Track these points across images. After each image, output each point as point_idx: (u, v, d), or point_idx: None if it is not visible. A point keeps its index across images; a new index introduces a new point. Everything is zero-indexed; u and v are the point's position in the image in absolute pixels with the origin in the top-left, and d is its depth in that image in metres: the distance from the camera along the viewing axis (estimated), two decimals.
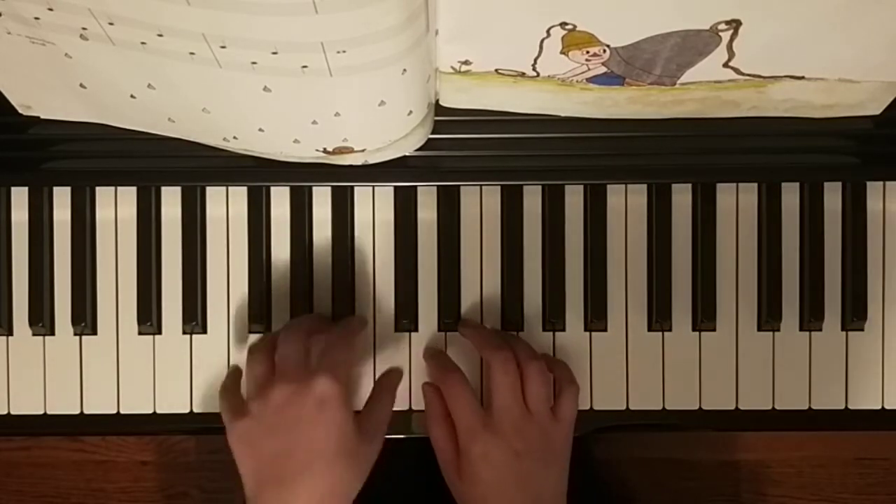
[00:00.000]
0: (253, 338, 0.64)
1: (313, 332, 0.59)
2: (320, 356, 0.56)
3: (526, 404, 0.58)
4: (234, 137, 0.58)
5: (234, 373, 0.63)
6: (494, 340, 0.60)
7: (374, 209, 0.65)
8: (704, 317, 0.64)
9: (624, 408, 0.64)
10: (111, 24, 0.46)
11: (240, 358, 0.64)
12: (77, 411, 0.64)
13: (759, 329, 0.65)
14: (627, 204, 0.65)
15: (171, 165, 0.62)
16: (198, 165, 0.62)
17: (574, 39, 0.50)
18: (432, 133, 0.61)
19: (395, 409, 0.62)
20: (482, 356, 0.60)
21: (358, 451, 0.55)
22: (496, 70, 0.55)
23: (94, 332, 0.65)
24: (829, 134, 0.62)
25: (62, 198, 0.65)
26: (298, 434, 0.54)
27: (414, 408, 0.64)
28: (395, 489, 0.61)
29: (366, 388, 0.63)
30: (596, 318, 0.64)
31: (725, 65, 0.52)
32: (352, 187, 0.64)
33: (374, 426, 0.58)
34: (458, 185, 0.64)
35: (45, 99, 0.59)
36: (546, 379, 0.59)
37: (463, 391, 0.59)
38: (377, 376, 0.64)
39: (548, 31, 0.49)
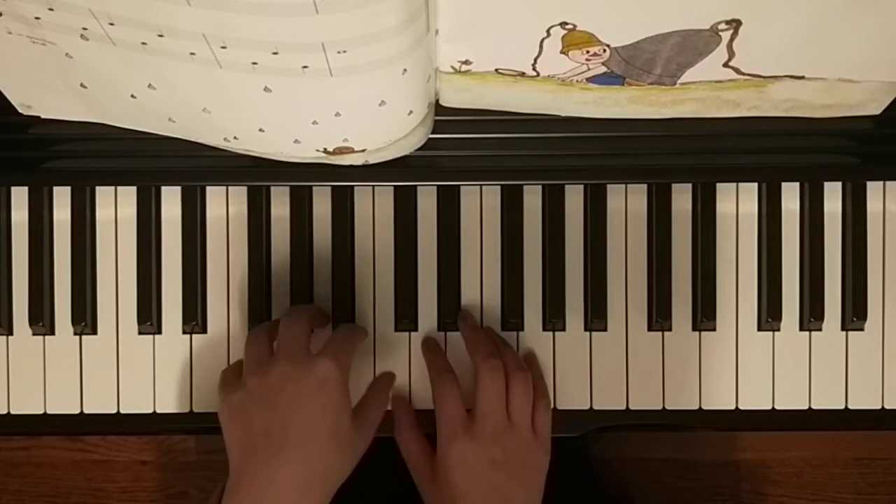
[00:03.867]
0: None
1: (314, 323, 0.60)
2: (324, 344, 0.57)
3: (508, 414, 0.59)
4: (235, 137, 0.58)
5: (236, 363, 0.63)
6: (486, 347, 0.61)
7: (374, 209, 0.65)
8: (704, 317, 0.64)
9: (624, 408, 0.64)
10: (112, 24, 0.46)
11: (240, 358, 0.64)
12: (77, 411, 0.64)
13: (759, 329, 0.65)
14: (627, 204, 0.65)
15: (171, 165, 0.62)
16: (198, 165, 0.62)
17: (574, 39, 0.50)
18: (432, 133, 0.61)
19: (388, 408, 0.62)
20: (472, 361, 0.61)
21: (349, 440, 0.56)
22: (496, 70, 0.55)
23: (94, 332, 0.65)
24: (829, 134, 0.62)
25: (62, 198, 0.65)
26: (294, 411, 0.54)
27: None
28: (377, 486, 0.62)
29: (363, 387, 0.63)
30: (596, 318, 0.64)
31: (725, 64, 0.52)
32: (352, 187, 0.64)
33: (367, 420, 0.59)
34: (458, 185, 0.64)
35: (45, 98, 0.59)
36: (529, 390, 0.59)
37: (452, 394, 0.60)
38: (375, 375, 0.64)
39: (548, 31, 0.49)
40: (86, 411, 0.64)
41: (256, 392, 0.54)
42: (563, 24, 0.48)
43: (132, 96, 0.54)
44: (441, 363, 0.62)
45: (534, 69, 0.54)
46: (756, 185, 0.65)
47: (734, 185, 0.65)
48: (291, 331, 0.57)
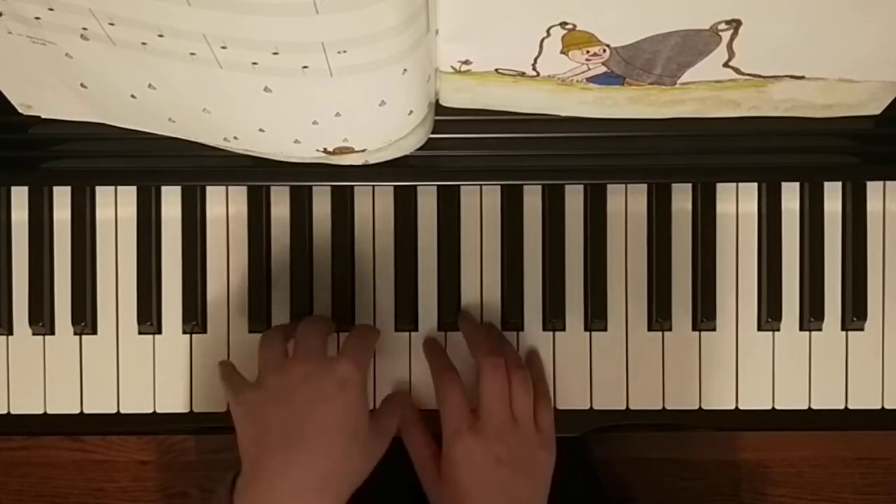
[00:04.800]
0: (253, 338, 0.64)
1: (327, 330, 0.60)
2: (343, 345, 0.58)
3: (512, 411, 0.59)
4: (235, 138, 0.58)
5: (227, 361, 0.63)
6: (488, 344, 0.61)
7: (374, 209, 0.65)
8: (704, 317, 0.64)
9: (624, 408, 0.64)
10: (112, 24, 0.46)
11: (240, 358, 0.64)
12: (77, 411, 0.64)
13: (759, 329, 0.65)
14: (627, 204, 0.65)
15: (171, 165, 0.62)
16: (198, 165, 0.62)
17: (574, 39, 0.50)
18: (432, 133, 0.61)
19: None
20: (474, 359, 0.61)
21: (368, 442, 0.56)
22: (496, 70, 0.55)
23: (94, 332, 0.65)
24: (829, 134, 0.62)
25: (62, 198, 0.65)
26: (312, 409, 0.54)
27: None
28: (385, 488, 0.62)
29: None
30: (596, 317, 0.64)
31: (725, 64, 0.52)
32: (352, 187, 0.64)
33: (384, 426, 0.59)
34: (458, 185, 0.64)
35: (45, 98, 0.59)
36: (530, 388, 0.60)
37: (455, 391, 0.60)
38: (376, 375, 0.64)
39: (548, 31, 0.49)
40: (86, 411, 0.64)
41: (274, 390, 0.55)
42: (563, 24, 0.48)
43: (132, 96, 0.54)
44: (443, 362, 0.63)
45: (534, 69, 0.54)
46: (756, 185, 0.65)
47: (734, 185, 0.65)
48: (309, 332, 0.58)
